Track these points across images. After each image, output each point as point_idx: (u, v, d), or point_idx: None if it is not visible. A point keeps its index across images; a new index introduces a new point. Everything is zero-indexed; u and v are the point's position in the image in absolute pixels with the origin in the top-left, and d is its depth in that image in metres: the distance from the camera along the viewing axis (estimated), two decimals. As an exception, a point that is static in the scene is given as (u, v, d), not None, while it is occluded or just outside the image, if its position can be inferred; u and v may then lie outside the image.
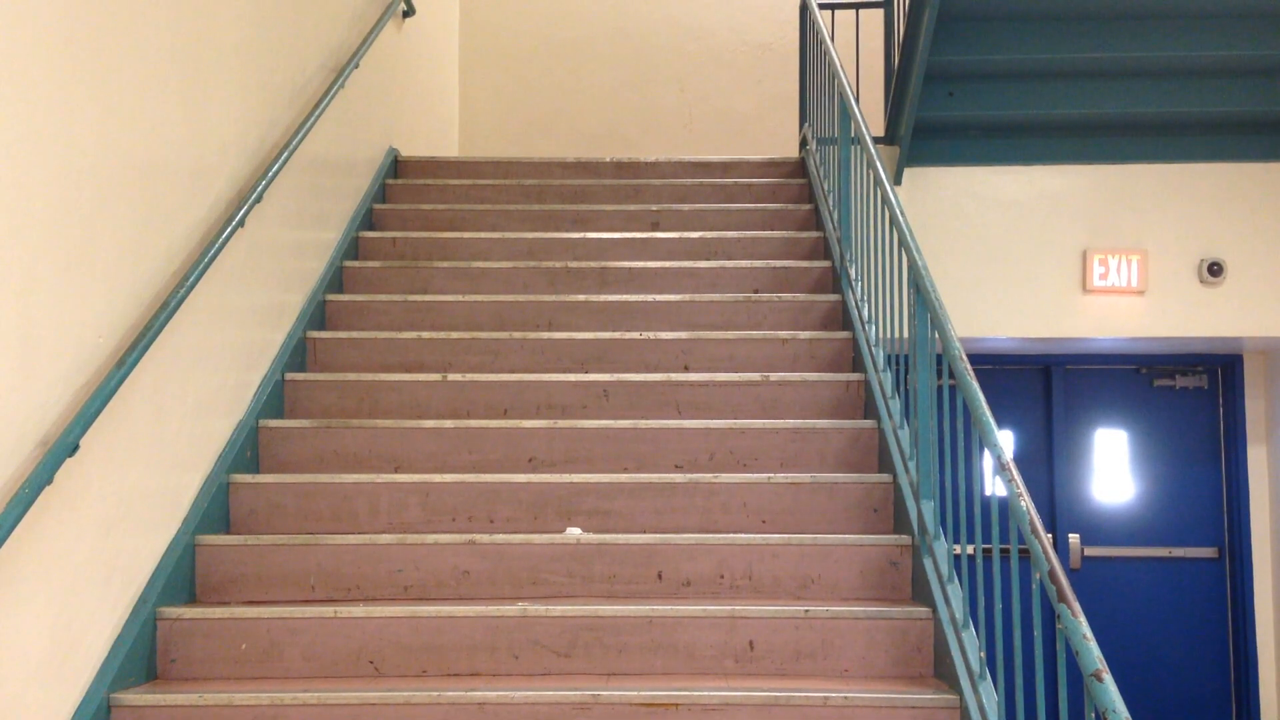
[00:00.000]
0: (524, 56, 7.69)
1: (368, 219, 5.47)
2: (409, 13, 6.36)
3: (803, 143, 6.24)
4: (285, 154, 4.16)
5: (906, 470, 3.58)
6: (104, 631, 2.98)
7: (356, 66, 5.19)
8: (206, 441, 3.63)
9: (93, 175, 2.91)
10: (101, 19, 2.94)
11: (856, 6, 6.46)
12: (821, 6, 5.94)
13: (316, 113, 4.56)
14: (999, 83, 5.75)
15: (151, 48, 3.23)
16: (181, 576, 3.37)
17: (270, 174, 4.01)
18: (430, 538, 3.49)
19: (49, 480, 2.62)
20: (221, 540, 3.50)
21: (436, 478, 3.75)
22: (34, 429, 2.66)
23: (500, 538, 3.48)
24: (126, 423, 3.07)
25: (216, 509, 3.63)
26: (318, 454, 3.98)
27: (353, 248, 5.20)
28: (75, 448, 2.73)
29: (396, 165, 6.04)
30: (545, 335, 4.52)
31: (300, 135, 4.34)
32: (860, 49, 6.48)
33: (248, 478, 3.75)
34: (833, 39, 5.46)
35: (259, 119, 4.10)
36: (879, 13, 6.47)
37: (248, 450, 3.89)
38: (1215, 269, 5.84)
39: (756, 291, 4.89)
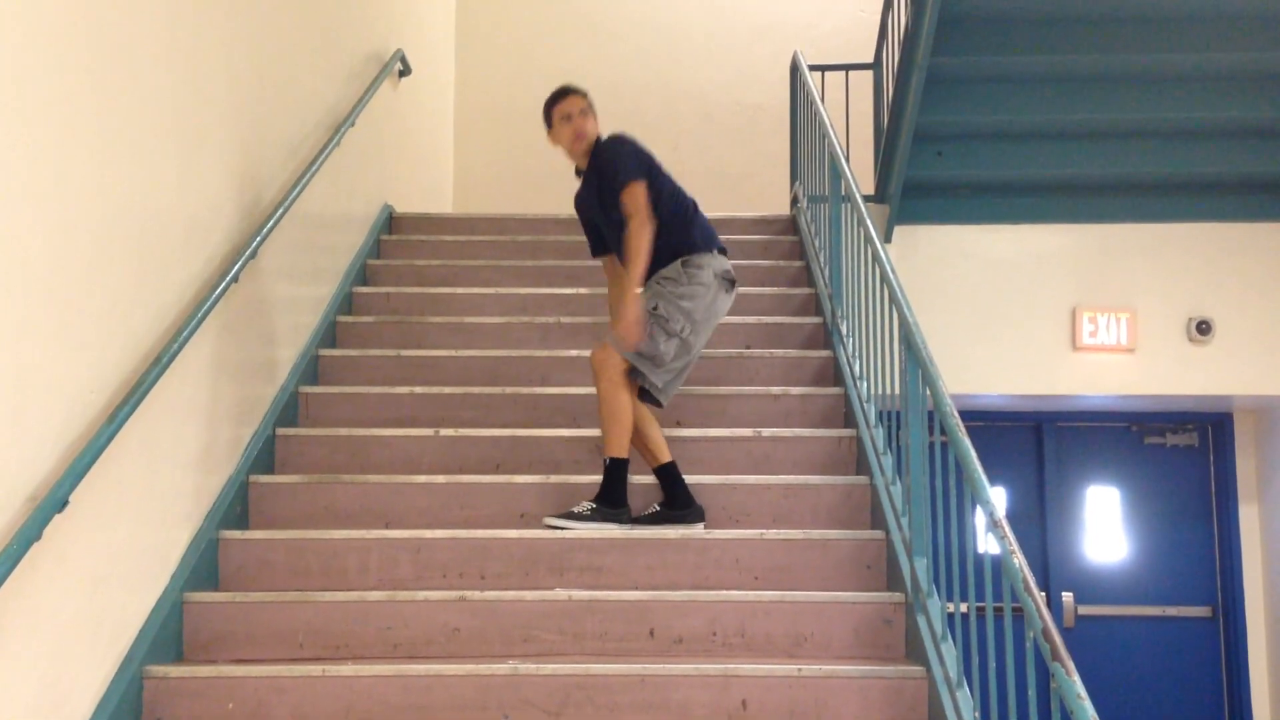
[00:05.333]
0: (519, 115, 7.74)
1: (361, 274, 5.49)
2: (405, 72, 6.43)
3: (794, 200, 6.30)
4: (280, 210, 4.19)
5: (899, 526, 3.57)
6: (90, 690, 2.94)
7: (352, 124, 5.24)
8: (196, 497, 3.61)
9: (88, 230, 2.92)
10: (98, 76, 2.98)
11: (846, 68, 6.56)
12: (812, 68, 6.02)
13: (312, 170, 4.59)
14: (987, 143, 5.82)
15: (147, 105, 3.27)
16: (169, 634, 3.33)
17: (265, 230, 4.03)
18: (421, 594, 3.46)
19: (38, 536, 2.60)
20: (210, 597, 3.47)
21: (428, 533, 3.73)
22: (24, 484, 2.65)
23: (491, 594, 3.46)
24: (117, 478, 3.06)
25: (205, 565, 3.60)
26: (308, 509, 3.96)
27: (346, 303, 5.21)
28: (65, 503, 2.71)
29: (391, 221, 6.08)
30: (539, 390, 4.52)
31: (296, 192, 4.37)
32: (850, 109, 6.56)
33: (237, 533, 3.73)
34: (823, 99, 5.54)
35: (255, 175, 4.13)
36: (868, 74, 6.56)
37: (238, 506, 3.87)
38: (1204, 327, 5.88)
39: (749, 347, 4.91)
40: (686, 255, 3.93)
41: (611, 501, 3.77)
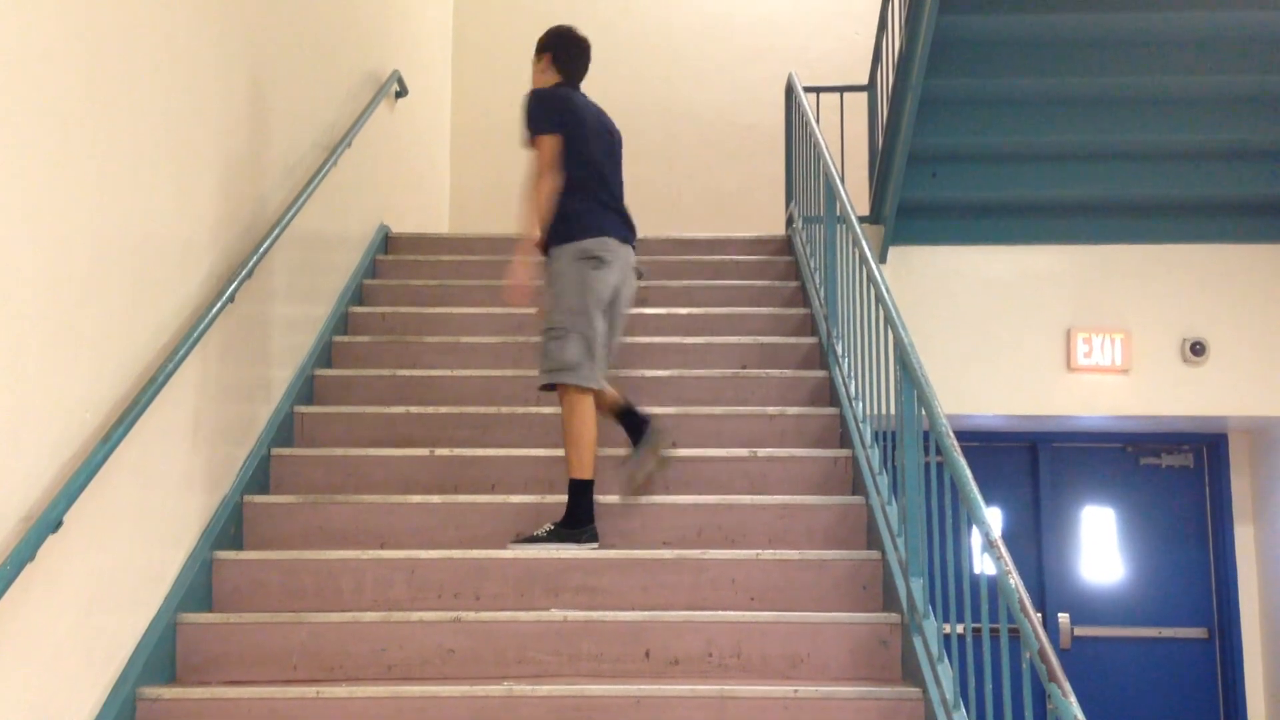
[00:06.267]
0: (515, 136, 7.76)
1: (358, 294, 5.49)
2: (402, 93, 6.45)
3: (789, 220, 6.32)
4: (277, 230, 4.20)
5: (895, 547, 3.57)
6: (82, 712, 2.92)
7: (349, 145, 5.25)
8: (191, 517, 3.60)
9: (83, 251, 2.93)
10: (94, 96, 2.99)
11: (841, 90, 6.60)
12: (806, 89, 6.05)
13: (309, 190, 4.60)
14: (982, 164, 5.85)
15: (143, 126, 3.27)
16: (163, 655, 3.32)
17: (261, 250, 4.03)
18: (415, 615, 3.45)
19: (31, 557, 2.59)
20: (203, 618, 3.45)
21: (423, 554, 3.71)
22: (18, 504, 2.64)
23: (486, 615, 3.45)
24: (111, 498, 3.05)
25: (199, 586, 3.58)
26: (303, 530, 3.95)
27: (342, 323, 5.21)
28: (59, 524, 2.70)
29: (387, 241, 6.09)
30: (534, 410, 4.51)
31: (292, 212, 4.37)
32: (845, 130, 6.59)
33: (231, 554, 3.71)
34: (817, 120, 5.57)
35: (251, 195, 4.14)
36: (863, 95, 6.60)
37: (232, 526, 3.85)
38: (1198, 348, 5.89)
39: (744, 367, 4.92)
40: (549, 249, 3.87)
41: (573, 522, 3.74)
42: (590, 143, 3.93)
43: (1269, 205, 5.92)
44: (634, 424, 3.92)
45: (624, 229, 3.98)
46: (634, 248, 4.02)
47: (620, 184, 4.07)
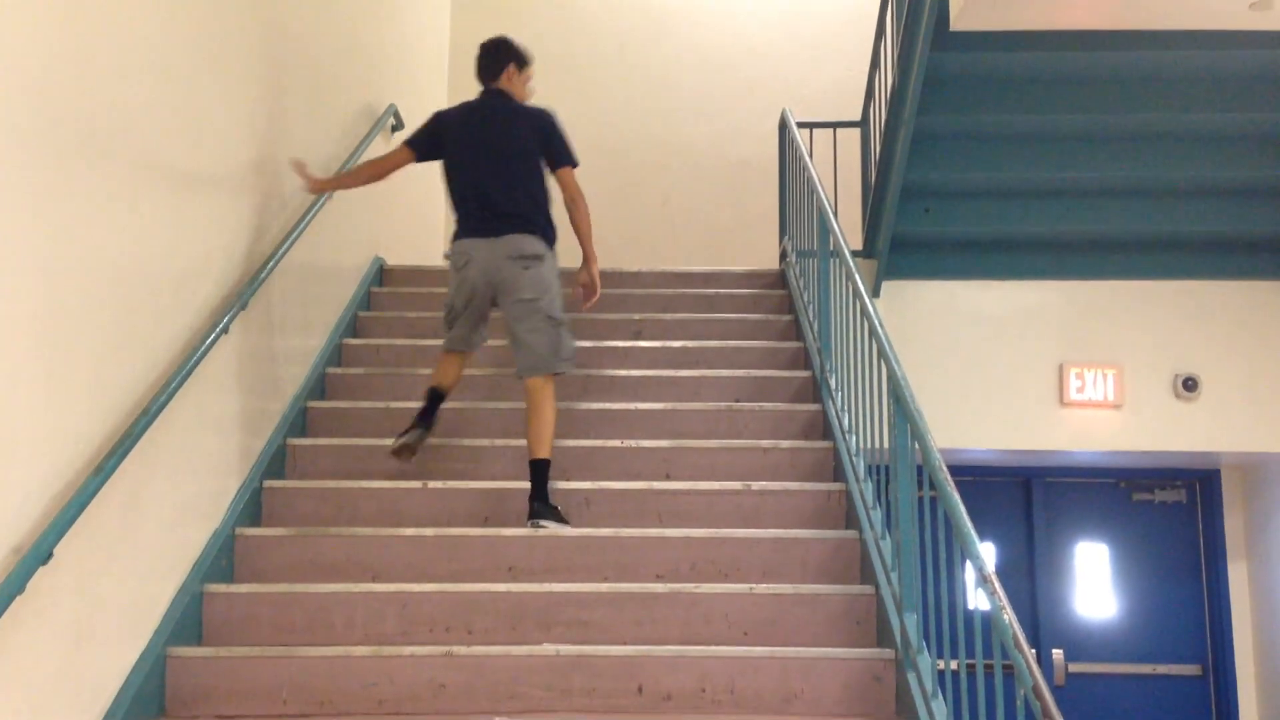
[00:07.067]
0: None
1: (352, 326, 5.49)
2: (398, 126, 6.49)
3: (783, 255, 6.34)
4: (272, 262, 4.20)
5: (889, 582, 3.55)
6: (69, 746, 2.89)
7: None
8: (182, 550, 3.58)
9: (78, 282, 2.93)
10: (89, 126, 3.00)
11: (834, 126, 6.64)
12: (800, 125, 6.09)
13: (304, 222, 4.61)
14: (975, 200, 5.88)
15: (137, 156, 3.28)
16: (152, 688, 3.29)
17: (256, 281, 4.04)
18: (407, 650, 3.42)
19: (21, 589, 2.57)
20: (193, 652, 3.43)
21: (414, 587, 3.70)
22: (8, 536, 2.63)
23: (478, 649, 3.43)
24: (102, 531, 3.04)
25: (190, 619, 3.56)
26: (295, 563, 3.93)
27: (336, 354, 5.21)
28: (49, 556, 2.69)
29: (382, 273, 6.10)
30: (526, 442, 4.50)
31: (288, 244, 4.38)
32: (838, 164, 6.63)
33: (222, 587, 3.69)
34: (811, 155, 5.59)
35: (247, 227, 4.15)
36: (856, 130, 6.65)
37: (223, 559, 3.83)
38: (1190, 384, 5.91)
39: (738, 400, 4.92)
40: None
41: (549, 499, 4.04)
42: (454, 151, 4.29)
43: (1260, 242, 5.96)
44: (432, 410, 4.31)
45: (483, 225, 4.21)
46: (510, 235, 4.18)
47: (496, 183, 4.21)
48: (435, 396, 4.34)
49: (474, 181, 4.20)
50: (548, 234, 4.24)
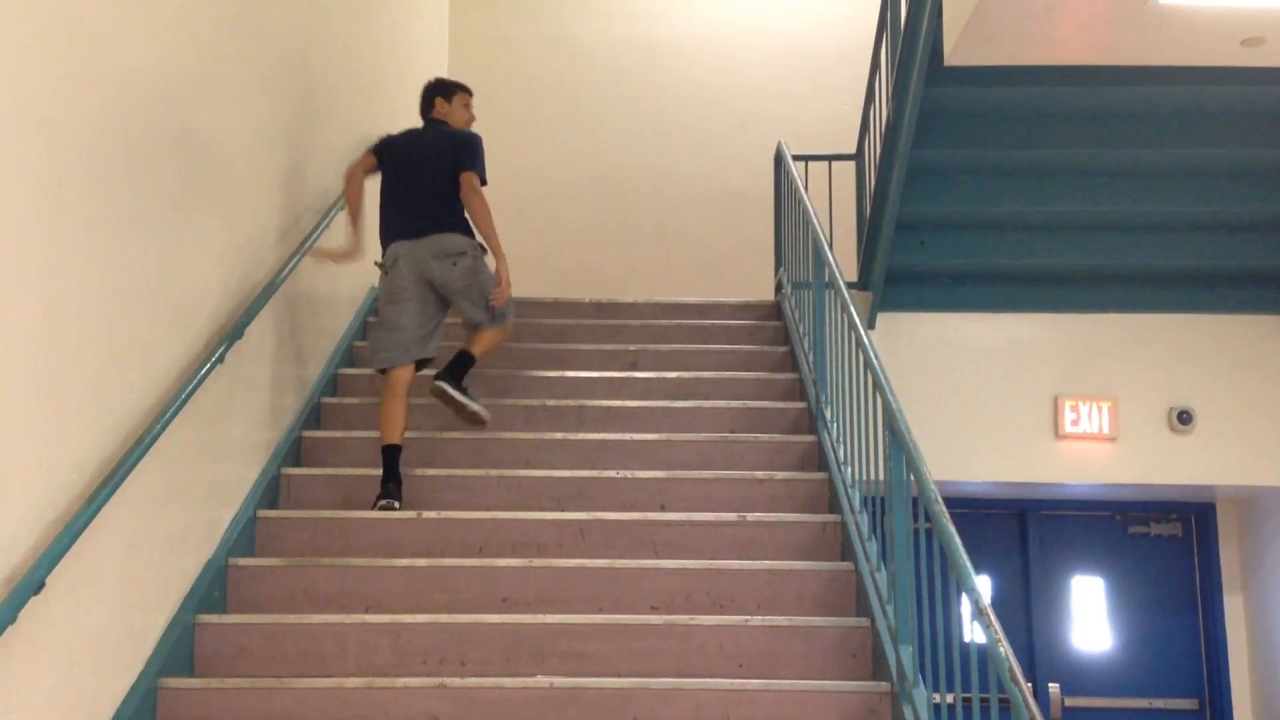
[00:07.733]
0: (505, 199, 7.83)
1: (348, 355, 5.49)
2: (395, 156, 6.50)
3: (778, 286, 6.36)
4: (269, 291, 4.21)
5: (885, 614, 3.54)
6: (58, 778, 2.87)
7: (342, 208, 5.27)
8: (174, 580, 3.56)
9: (73, 311, 2.93)
10: (87, 157, 3.01)
11: (829, 159, 6.68)
12: (795, 158, 6.12)
13: (301, 252, 4.62)
14: (970, 233, 5.91)
15: (137, 186, 3.29)
16: (141, 720, 3.26)
17: (252, 311, 4.04)
18: (400, 681, 3.40)
19: (13, 619, 2.55)
20: (184, 683, 3.40)
21: (408, 618, 3.68)
22: (0, 566, 2.61)
23: (472, 681, 3.40)
24: (95, 560, 3.02)
25: (181, 650, 3.54)
26: (287, 593, 3.91)
27: (331, 384, 5.21)
28: (41, 585, 2.67)
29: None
30: (522, 473, 4.50)
31: (284, 273, 4.39)
32: (833, 196, 6.66)
33: (214, 618, 3.67)
34: (806, 187, 5.62)
35: (244, 257, 4.16)
36: (852, 163, 6.68)
37: (216, 589, 3.81)
38: (1185, 417, 5.92)
39: (733, 431, 4.92)
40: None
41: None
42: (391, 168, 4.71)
43: (1255, 276, 5.99)
44: (395, 467, 4.42)
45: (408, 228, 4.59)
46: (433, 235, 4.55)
47: (418, 189, 4.61)
48: (392, 452, 4.38)
49: (399, 192, 4.64)
50: (469, 231, 4.61)
